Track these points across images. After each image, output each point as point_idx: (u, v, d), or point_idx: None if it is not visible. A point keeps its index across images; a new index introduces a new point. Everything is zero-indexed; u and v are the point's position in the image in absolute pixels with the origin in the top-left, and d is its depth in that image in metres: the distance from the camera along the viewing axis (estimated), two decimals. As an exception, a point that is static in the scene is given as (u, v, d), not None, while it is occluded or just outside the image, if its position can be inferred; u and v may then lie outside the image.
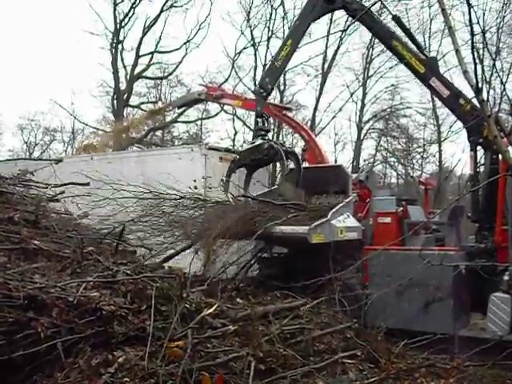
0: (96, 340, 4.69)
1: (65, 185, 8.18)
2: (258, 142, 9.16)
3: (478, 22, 7.10)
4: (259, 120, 9.42)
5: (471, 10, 6.38)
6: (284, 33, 29.05)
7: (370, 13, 9.95)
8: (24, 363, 4.40)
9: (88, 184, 8.18)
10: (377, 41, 28.81)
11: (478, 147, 9.03)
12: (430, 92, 10.22)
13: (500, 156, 7.81)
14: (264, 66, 28.00)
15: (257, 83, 10.35)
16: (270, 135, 9.68)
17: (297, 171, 9.28)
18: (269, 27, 28.89)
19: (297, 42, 10.06)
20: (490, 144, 8.10)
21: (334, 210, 8.94)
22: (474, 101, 8.35)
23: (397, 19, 10.21)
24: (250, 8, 29.26)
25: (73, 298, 4.77)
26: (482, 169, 9.28)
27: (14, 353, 4.29)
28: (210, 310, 5.21)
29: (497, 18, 22.96)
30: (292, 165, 9.63)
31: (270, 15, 28.64)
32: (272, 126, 9.85)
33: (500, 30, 23.09)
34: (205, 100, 16.12)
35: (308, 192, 10.16)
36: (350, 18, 12.36)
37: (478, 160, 9.16)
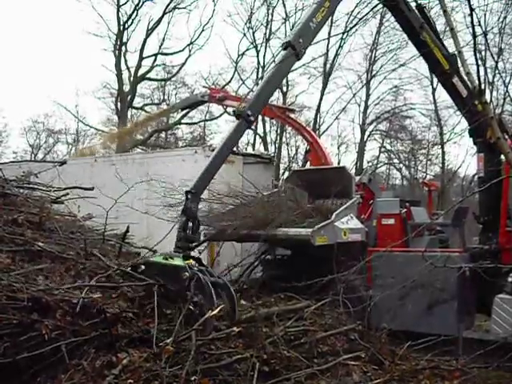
0: (100, 342, 4.70)
1: (69, 188, 8.20)
2: (178, 262, 5.68)
3: (480, 24, 7.05)
4: (188, 223, 6.22)
5: (473, 11, 6.38)
6: (286, 34, 29.20)
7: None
8: (28, 365, 4.41)
9: (92, 189, 8.20)
10: (381, 40, 29.33)
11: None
12: (446, 91, 9.70)
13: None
14: (263, 67, 28.09)
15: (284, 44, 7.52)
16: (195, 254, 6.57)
17: (231, 309, 5.66)
18: (270, 29, 28.90)
19: (334, 6, 8.40)
20: (495, 145, 8.08)
21: (337, 211, 8.95)
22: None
23: (421, 8, 9.40)
24: (252, 10, 29.29)
25: (76, 300, 4.78)
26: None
27: (18, 355, 4.31)
28: (214, 312, 5.20)
29: (498, 19, 22.89)
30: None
31: (272, 16, 28.64)
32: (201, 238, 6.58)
33: (502, 31, 23.02)
34: (207, 102, 16.16)
35: (311, 194, 10.18)
36: (351, 19, 12.14)
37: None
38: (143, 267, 5.74)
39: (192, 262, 5.77)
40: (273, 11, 28.92)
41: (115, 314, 4.90)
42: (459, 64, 8.46)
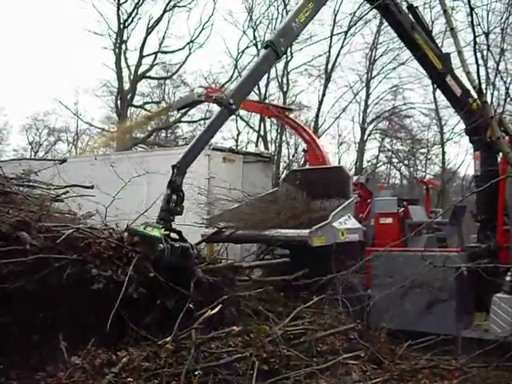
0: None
1: (69, 186, 8.20)
2: (156, 233, 5.85)
3: (480, 24, 7.08)
4: (173, 196, 6.37)
5: (473, 11, 6.40)
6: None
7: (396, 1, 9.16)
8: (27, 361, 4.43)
9: (92, 187, 8.20)
10: (381, 40, 29.32)
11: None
12: (440, 91, 9.67)
13: (501, 155, 7.82)
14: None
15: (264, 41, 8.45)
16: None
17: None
18: (271, 27, 28.86)
19: (318, 8, 8.26)
20: (493, 144, 8.09)
21: (334, 212, 8.95)
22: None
23: (413, 10, 9.41)
24: (252, 8, 29.27)
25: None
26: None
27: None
28: (214, 311, 5.22)
29: (501, 19, 22.86)
30: None
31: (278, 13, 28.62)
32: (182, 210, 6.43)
33: (504, 31, 22.97)
34: (204, 101, 16.14)
35: (309, 194, 10.19)
36: (354, 19, 12.13)
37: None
38: (126, 234, 6.05)
39: (171, 234, 6.03)
40: (283, 9, 28.75)
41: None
42: (458, 63, 8.46)
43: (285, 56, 28.70)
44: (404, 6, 9.35)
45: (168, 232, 5.96)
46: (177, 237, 6.06)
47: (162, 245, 5.61)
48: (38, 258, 4.81)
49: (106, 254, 5.38)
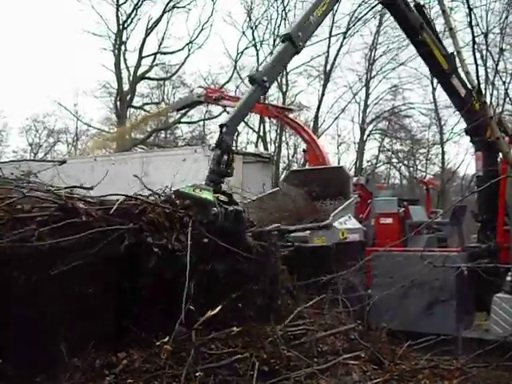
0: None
1: (68, 188, 8.17)
2: (207, 196, 5.50)
3: (478, 25, 7.08)
4: (224, 157, 6.08)
5: (472, 11, 6.41)
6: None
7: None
8: (27, 364, 4.41)
9: (92, 188, 8.17)
10: (380, 40, 29.34)
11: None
12: (444, 91, 9.65)
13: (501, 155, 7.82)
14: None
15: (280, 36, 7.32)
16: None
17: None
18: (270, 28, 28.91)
19: (335, 1, 8.06)
20: (494, 144, 8.09)
21: (334, 212, 8.95)
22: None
23: (420, 8, 9.26)
24: (251, 8, 29.29)
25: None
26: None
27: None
28: (214, 312, 5.20)
29: (500, 19, 22.89)
30: None
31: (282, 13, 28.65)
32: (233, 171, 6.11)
33: (503, 31, 23.00)
34: (204, 102, 16.15)
35: (309, 194, 10.18)
36: (353, 20, 12.07)
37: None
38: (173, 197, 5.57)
39: (221, 196, 5.65)
40: (283, 10, 28.75)
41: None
42: (458, 64, 8.47)
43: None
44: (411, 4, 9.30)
45: (218, 195, 5.63)
46: (226, 200, 5.68)
47: (215, 209, 5.26)
48: (96, 230, 4.50)
49: (159, 221, 4.96)
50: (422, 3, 9.50)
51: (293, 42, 7.11)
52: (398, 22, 9.60)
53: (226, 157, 6.06)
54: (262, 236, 5.99)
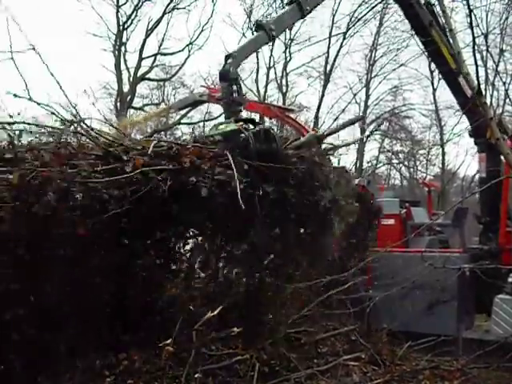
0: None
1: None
2: (231, 127, 5.52)
3: (478, 25, 7.07)
4: (232, 87, 6.06)
5: (472, 12, 6.40)
6: (285, 34, 29.20)
7: None
8: (27, 365, 4.40)
9: None
10: (380, 41, 29.33)
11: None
12: (450, 90, 9.63)
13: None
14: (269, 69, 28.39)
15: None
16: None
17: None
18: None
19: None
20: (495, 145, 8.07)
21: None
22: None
23: (430, 6, 9.24)
24: (251, 9, 29.31)
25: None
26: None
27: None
28: (215, 313, 5.19)
29: (500, 20, 22.89)
30: None
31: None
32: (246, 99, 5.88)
33: (503, 32, 23.00)
34: (206, 102, 16.11)
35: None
36: (352, 20, 12.01)
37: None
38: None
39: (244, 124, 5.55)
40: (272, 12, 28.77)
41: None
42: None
43: (284, 57, 28.92)
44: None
45: (241, 123, 5.53)
46: (251, 125, 5.59)
47: (242, 135, 5.22)
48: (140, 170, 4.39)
49: (197, 162, 4.86)
50: (431, 1, 9.52)
51: (300, 6, 7.18)
52: (408, 19, 9.59)
53: (234, 87, 6.04)
54: (301, 148, 5.84)
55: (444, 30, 9.30)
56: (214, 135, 5.58)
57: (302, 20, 7.74)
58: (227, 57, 6.21)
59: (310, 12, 7.45)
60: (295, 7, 7.19)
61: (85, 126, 4.96)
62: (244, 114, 6.73)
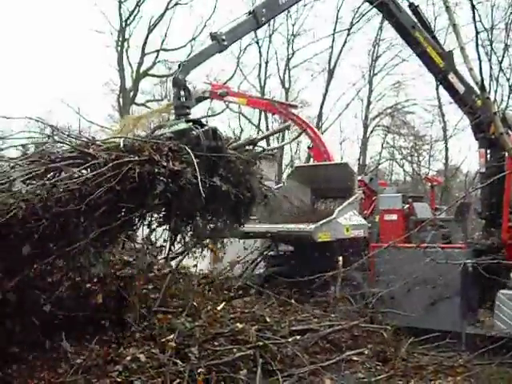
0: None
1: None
2: (183, 126, 6.20)
3: (481, 21, 7.06)
4: (180, 92, 6.77)
5: (475, 7, 6.37)
6: (288, 29, 29.25)
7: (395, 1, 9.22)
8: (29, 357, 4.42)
9: None
10: (383, 36, 29.23)
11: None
12: (443, 88, 9.72)
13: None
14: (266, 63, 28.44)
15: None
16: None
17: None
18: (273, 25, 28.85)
19: None
20: (497, 141, 8.05)
21: (339, 208, 8.95)
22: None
23: (414, 8, 9.46)
24: (253, 5, 29.23)
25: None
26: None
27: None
28: (218, 309, 5.23)
29: (505, 14, 22.77)
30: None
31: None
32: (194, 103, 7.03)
33: (508, 27, 22.86)
34: (209, 98, 16.11)
35: (314, 190, 10.18)
36: (357, 16, 12.06)
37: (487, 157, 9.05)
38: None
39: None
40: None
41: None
42: (461, 60, 8.43)
43: (286, 53, 28.96)
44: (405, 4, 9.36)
45: (190, 123, 6.14)
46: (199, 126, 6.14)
47: (194, 132, 5.76)
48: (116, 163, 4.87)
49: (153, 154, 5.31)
50: (415, 4, 9.61)
51: (256, 17, 7.62)
52: (390, 23, 9.73)
53: (182, 92, 6.73)
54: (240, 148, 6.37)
55: (430, 30, 9.43)
56: (166, 133, 6.14)
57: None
58: (179, 65, 6.87)
59: (267, 23, 8.09)
60: (251, 18, 7.58)
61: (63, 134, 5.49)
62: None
